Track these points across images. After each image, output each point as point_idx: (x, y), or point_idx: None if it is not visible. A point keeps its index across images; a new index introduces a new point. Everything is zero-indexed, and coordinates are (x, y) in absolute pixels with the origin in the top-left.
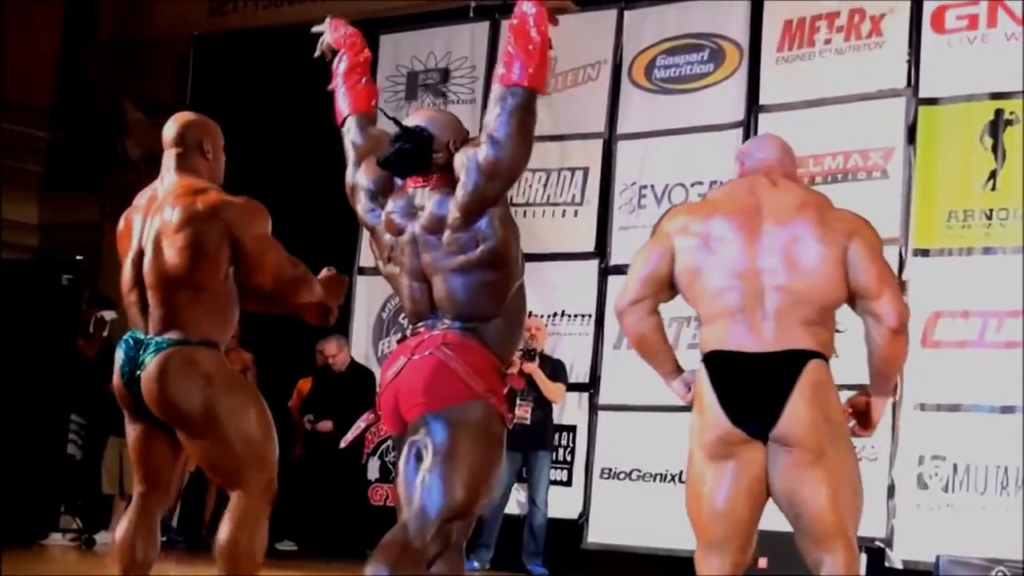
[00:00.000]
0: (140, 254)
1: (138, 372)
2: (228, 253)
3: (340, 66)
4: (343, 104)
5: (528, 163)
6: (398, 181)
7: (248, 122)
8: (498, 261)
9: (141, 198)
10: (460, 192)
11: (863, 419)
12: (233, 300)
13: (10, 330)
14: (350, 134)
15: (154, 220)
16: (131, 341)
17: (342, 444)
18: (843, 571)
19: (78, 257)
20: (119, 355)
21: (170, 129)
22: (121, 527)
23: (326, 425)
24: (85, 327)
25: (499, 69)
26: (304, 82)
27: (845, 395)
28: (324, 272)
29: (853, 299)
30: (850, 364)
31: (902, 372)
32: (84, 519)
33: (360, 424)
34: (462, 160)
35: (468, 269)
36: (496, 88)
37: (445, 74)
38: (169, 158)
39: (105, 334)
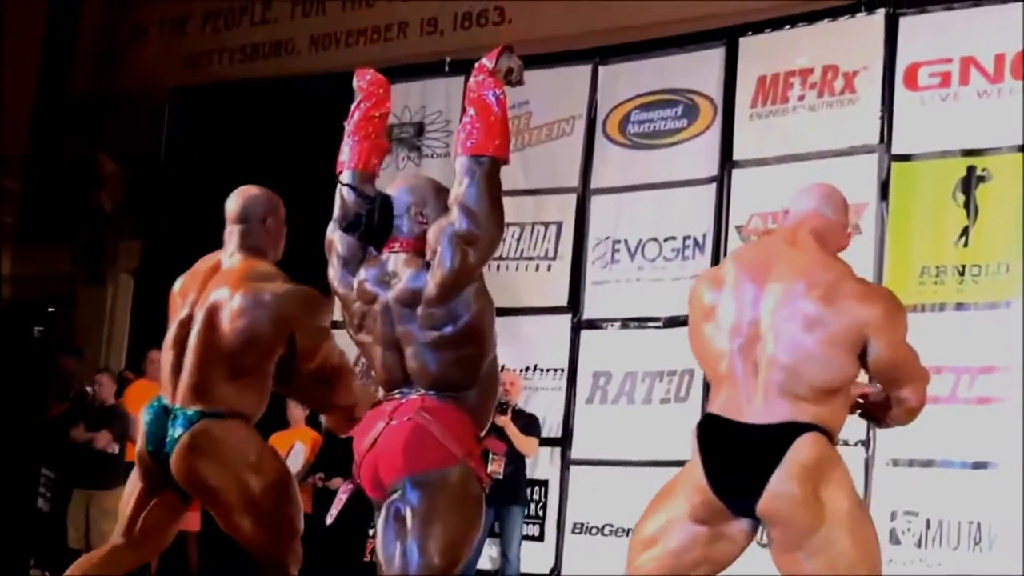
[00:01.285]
0: (189, 319)
1: (167, 446)
2: (284, 344)
3: (354, 115)
4: (344, 155)
5: (502, 231)
6: (371, 250)
7: (224, 175)
8: (472, 337)
9: (202, 265)
10: (438, 269)
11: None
12: (269, 380)
13: None
14: (342, 189)
15: (212, 293)
16: (159, 408)
17: (328, 520)
18: None
19: (50, 309)
20: (144, 420)
21: (234, 203)
22: (79, 562)
23: (338, 482)
24: (58, 384)
25: (462, 140)
26: (281, 135)
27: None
28: (358, 383)
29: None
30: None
31: (875, 428)
32: (53, 573)
33: (342, 496)
34: (436, 234)
35: (441, 346)
36: (462, 160)
37: (420, 128)
38: (233, 233)
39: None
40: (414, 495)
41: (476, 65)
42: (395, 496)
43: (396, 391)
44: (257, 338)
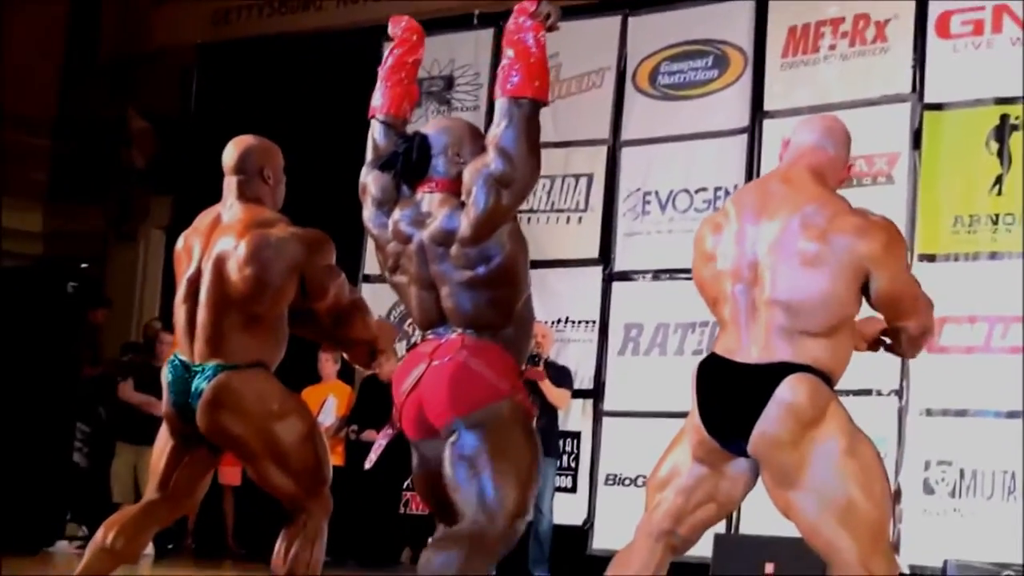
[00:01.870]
0: (198, 274)
1: (191, 399)
2: (295, 286)
3: (387, 61)
4: (376, 100)
5: (539, 174)
6: (405, 191)
7: (252, 131)
8: (506, 278)
9: (202, 220)
10: (472, 209)
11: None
12: (284, 325)
13: (15, 337)
14: (375, 132)
15: (217, 244)
16: (178, 365)
17: (367, 465)
18: None
19: (83, 265)
20: (167, 378)
21: (230, 154)
22: (115, 516)
23: (371, 434)
24: (88, 338)
25: (501, 81)
26: (308, 90)
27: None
28: (376, 319)
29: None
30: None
31: (908, 377)
32: (90, 527)
33: (381, 442)
34: (472, 175)
35: (475, 285)
36: (501, 101)
37: (449, 82)
38: (231, 184)
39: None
40: (472, 436)
41: (517, 8)
42: (452, 439)
43: (433, 331)
44: (267, 283)
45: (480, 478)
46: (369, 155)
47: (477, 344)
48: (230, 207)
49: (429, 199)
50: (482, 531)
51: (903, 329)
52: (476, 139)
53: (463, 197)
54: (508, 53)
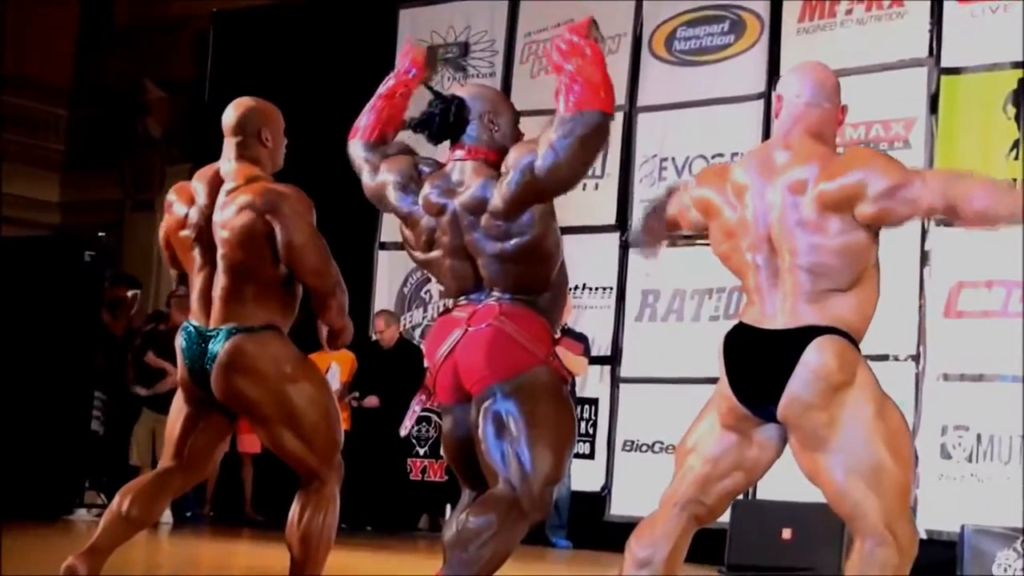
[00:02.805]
0: (210, 241)
1: (207, 363)
2: (271, 240)
3: (381, 88)
4: (361, 122)
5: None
6: (425, 169)
7: (268, 98)
8: (534, 255)
9: (200, 179)
10: (505, 188)
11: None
12: (297, 288)
13: (33, 306)
14: (359, 151)
15: (218, 213)
16: (192, 331)
17: (403, 432)
18: (857, 557)
19: (100, 234)
20: (181, 344)
21: (229, 116)
22: (131, 484)
23: (372, 401)
24: (111, 305)
25: (564, 96)
26: (324, 56)
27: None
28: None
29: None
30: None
31: (925, 342)
32: (108, 494)
33: (415, 408)
34: (516, 156)
35: (506, 258)
36: (564, 114)
37: (465, 48)
38: (229, 146)
39: (133, 311)
40: (509, 400)
41: (568, 28)
42: (488, 403)
43: (466, 298)
44: (249, 238)
45: (516, 443)
46: (364, 168)
47: (514, 310)
48: (228, 169)
49: (461, 167)
50: (517, 496)
51: (918, 201)
52: (510, 108)
53: (503, 170)
54: (567, 68)
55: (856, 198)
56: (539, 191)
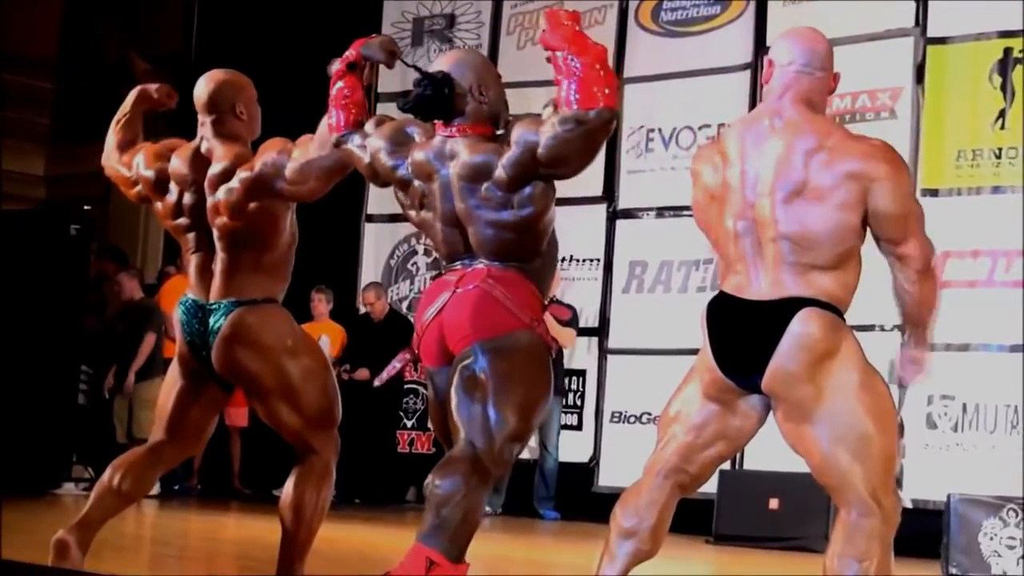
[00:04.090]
0: (200, 210)
1: (209, 337)
2: (272, 213)
3: (331, 90)
4: (332, 120)
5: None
6: (414, 135)
7: (256, 68)
8: (530, 227)
9: (183, 161)
10: (508, 162)
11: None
12: (291, 260)
13: (19, 280)
14: (346, 144)
15: (209, 192)
16: (191, 305)
17: (377, 382)
18: (842, 527)
19: (86, 207)
20: (180, 318)
21: (201, 92)
22: (121, 457)
23: (363, 374)
24: (97, 280)
25: (566, 89)
26: (310, 27)
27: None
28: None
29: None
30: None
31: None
32: (96, 468)
33: (396, 364)
34: (521, 133)
35: (501, 227)
36: (567, 112)
37: (451, 19)
38: (205, 124)
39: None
40: (486, 359)
41: (567, 15)
42: (467, 361)
43: (458, 262)
44: (256, 216)
45: (484, 401)
46: (361, 158)
47: (503, 274)
48: (209, 149)
49: (451, 143)
50: (479, 454)
51: (906, 258)
52: (495, 74)
53: (508, 142)
54: (572, 63)
55: (855, 201)
56: (539, 175)
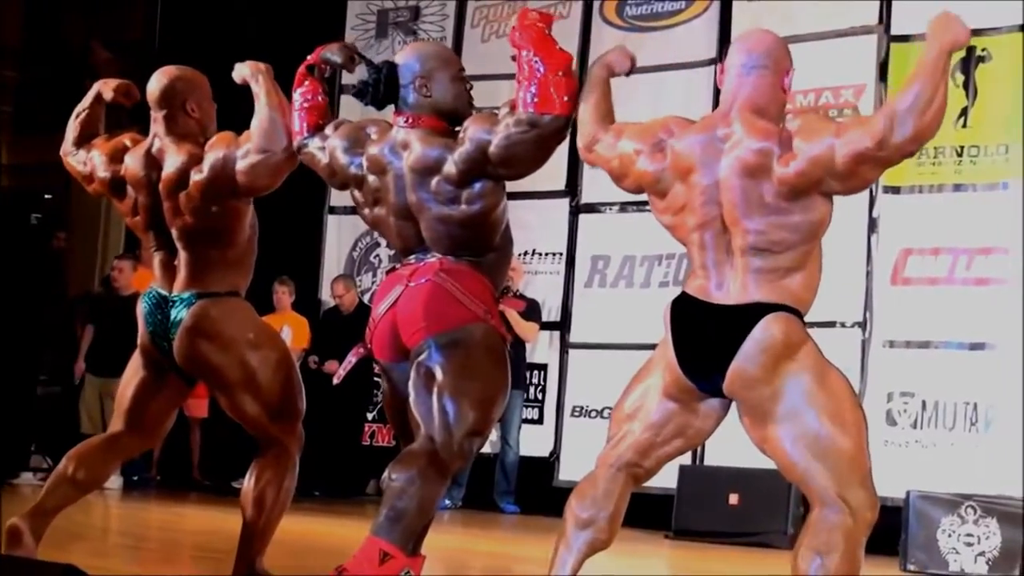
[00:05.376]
0: (158, 211)
1: (171, 328)
2: (245, 202)
3: (297, 90)
4: (295, 125)
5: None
6: (371, 133)
7: (219, 59)
8: (480, 222)
9: (136, 161)
10: (459, 157)
11: None
12: (254, 251)
13: None
14: (307, 147)
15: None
16: (154, 296)
17: (335, 380)
18: (809, 523)
19: (47, 196)
20: (143, 310)
21: (154, 88)
22: (78, 447)
23: (333, 366)
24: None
25: (525, 90)
26: (275, 15)
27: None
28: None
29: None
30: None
31: (871, 308)
32: (55, 459)
33: (351, 359)
34: (474, 131)
35: (450, 222)
36: (523, 113)
37: (416, 12)
38: (157, 121)
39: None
40: (441, 354)
41: (541, 15)
42: (422, 357)
43: (412, 255)
44: (219, 212)
45: (441, 395)
46: (314, 159)
47: (455, 267)
48: (161, 146)
49: (406, 132)
50: (437, 448)
51: (881, 128)
52: (448, 67)
53: (460, 137)
54: (535, 63)
55: (812, 192)
56: (489, 173)
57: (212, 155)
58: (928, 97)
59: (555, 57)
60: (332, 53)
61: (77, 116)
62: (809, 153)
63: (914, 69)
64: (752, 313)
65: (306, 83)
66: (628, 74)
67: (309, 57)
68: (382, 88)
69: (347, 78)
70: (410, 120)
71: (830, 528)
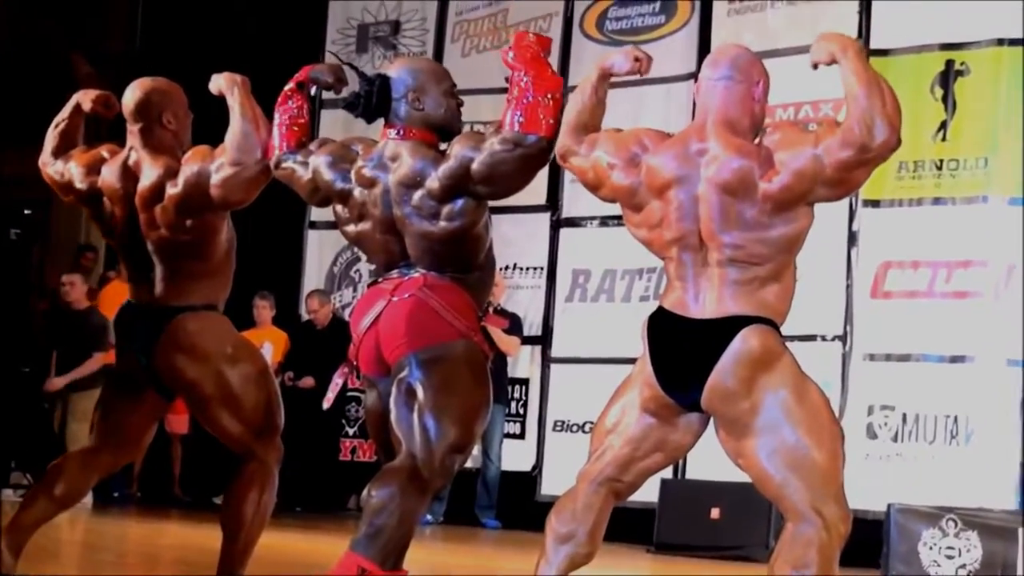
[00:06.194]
0: (134, 225)
1: (148, 343)
2: (221, 215)
3: (283, 105)
4: (276, 140)
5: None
6: (357, 149)
7: (200, 72)
8: (461, 239)
9: (112, 174)
10: (443, 173)
11: None
12: (231, 264)
13: None
14: (283, 161)
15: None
16: (131, 311)
17: (325, 405)
18: (784, 537)
19: (27, 211)
20: (120, 322)
21: (129, 101)
22: (57, 461)
23: (308, 382)
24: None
25: (513, 110)
26: (256, 28)
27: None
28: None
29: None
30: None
31: (852, 322)
32: (36, 475)
33: (338, 380)
34: (459, 149)
35: (432, 239)
36: (508, 132)
37: (396, 26)
38: (133, 134)
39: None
40: (422, 370)
41: (539, 38)
42: (403, 373)
43: (395, 270)
44: (195, 225)
45: (422, 412)
46: (292, 175)
47: (438, 283)
48: (138, 159)
49: (395, 145)
50: (418, 465)
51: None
52: (440, 83)
53: (447, 153)
54: (525, 81)
55: (807, 193)
56: (471, 191)
57: (187, 169)
58: (879, 90)
59: (546, 80)
60: (321, 73)
61: (56, 126)
62: (792, 166)
63: (846, 81)
64: (729, 326)
65: (290, 101)
66: (641, 75)
67: (297, 75)
68: (375, 99)
69: (329, 94)
70: (401, 132)
71: (805, 543)
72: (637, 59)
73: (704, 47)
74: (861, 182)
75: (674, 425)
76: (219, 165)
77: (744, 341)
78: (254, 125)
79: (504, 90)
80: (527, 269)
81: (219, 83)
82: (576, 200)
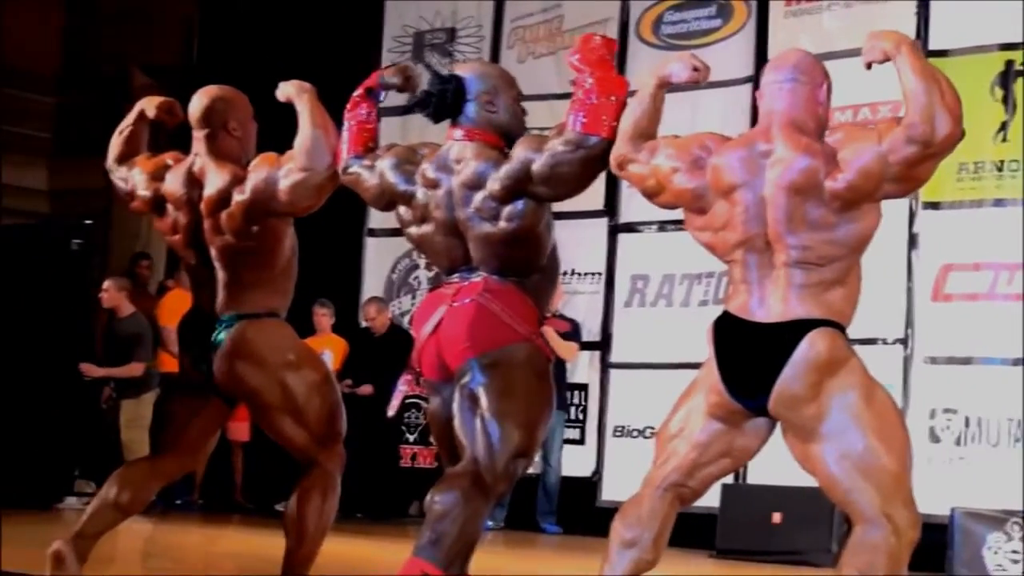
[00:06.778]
0: (198, 230)
1: (212, 350)
2: (286, 223)
3: (349, 115)
4: (343, 146)
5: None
6: (421, 152)
7: (257, 82)
8: (522, 240)
9: (176, 179)
10: (504, 174)
11: None
12: (294, 272)
13: (21, 294)
14: (351, 166)
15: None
16: (195, 316)
17: (390, 412)
18: (851, 542)
19: (87, 221)
20: (183, 331)
21: (195, 108)
22: (121, 470)
23: (366, 389)
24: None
25: (575, 112)
26: (312, 37)
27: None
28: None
29: (890, 188)
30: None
31: (913, 326)
32: (100, 483)
33: (402, 388)
34: (521, 150)
35: (493, 240)
36: (571, 134)
37: (452, 34)
38: (199, 140)
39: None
40: (484, 375)
41: (604, 40)
42: (465, 379)
43: (456, 274)
44: (259, 232)
45: (484, 417)
46: (359, 179)
47: (499, 287)
48: (203, 166)
49: (461, 146)
50: (481, 470)
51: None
52: (510, 89)
53: (510, 156)
54: (588, 83)
55: (874, 191)
56: (531, 192)
57: (255, 175)
58: (936, 83)
59: (610, 82)
60: (391, 76)
61: (120, 132)
62: (857, 164)
63: (903, 77)
64: (795, 330)
65: (362, 107)
66: (698, 83)
67: (366, 81)
68: (449, 97)
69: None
70: (468, 134)
71: (873, 547)
72: (696, 68)
73: (761, 50)
74: (927, 177)
75: (740, 429)
76: (288, 171)
77: (811, 345)
78: (323, 131)
79: (560, 96)
80: (585, 275)
81: (287, 90)
82: (634, 205)
